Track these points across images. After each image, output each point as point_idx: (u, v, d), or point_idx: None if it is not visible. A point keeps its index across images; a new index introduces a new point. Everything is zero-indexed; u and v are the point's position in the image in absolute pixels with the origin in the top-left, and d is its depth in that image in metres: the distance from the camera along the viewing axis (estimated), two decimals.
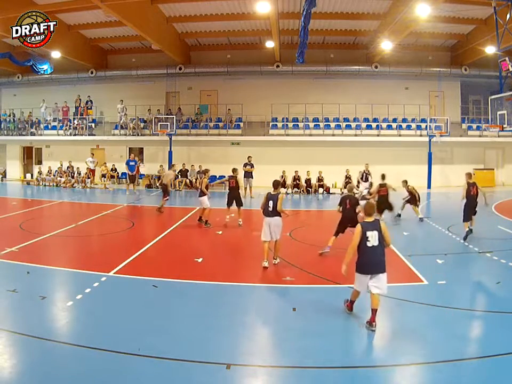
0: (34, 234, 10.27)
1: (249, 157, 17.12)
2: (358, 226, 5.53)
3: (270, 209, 7.84)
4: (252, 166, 18.72)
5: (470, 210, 10.08)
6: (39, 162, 24.92)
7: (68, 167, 22.26)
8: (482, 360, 4.53)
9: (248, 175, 18.59)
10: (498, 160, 23.44)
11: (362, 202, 10.91)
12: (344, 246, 9.48)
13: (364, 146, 22.08)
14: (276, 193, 8.03)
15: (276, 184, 8.23)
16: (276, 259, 8.16)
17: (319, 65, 22.91)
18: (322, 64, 22.90)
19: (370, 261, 5.36)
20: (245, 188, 16.88)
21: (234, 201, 12.09)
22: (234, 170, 12.27)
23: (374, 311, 5.30)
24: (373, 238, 5.35)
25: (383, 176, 11.52)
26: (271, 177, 20.94)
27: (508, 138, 21.96)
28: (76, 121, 23.95)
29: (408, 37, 19.50)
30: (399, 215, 12.65)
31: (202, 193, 11.98)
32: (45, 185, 22.07)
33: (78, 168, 21.98)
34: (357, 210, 8.69)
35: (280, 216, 7.97)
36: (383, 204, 11.23)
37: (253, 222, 13.14)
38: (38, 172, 22.66)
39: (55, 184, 21.85)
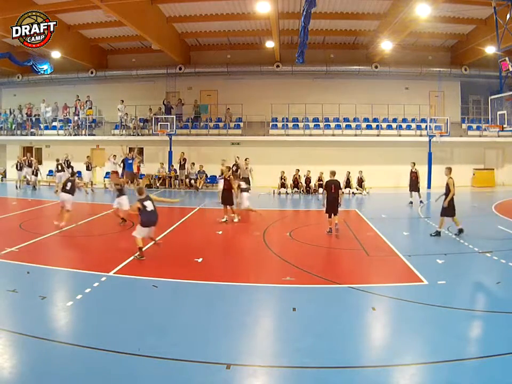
0: (34, 234, 10.26)
1: (246, 158, 17.17)
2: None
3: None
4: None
5: None
6: (39, 162, 24.86)
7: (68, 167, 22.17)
8: (483, 360, 4.52)
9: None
10: (498, 160, 23.44)
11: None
12: (343, 246, 9.54)
13: (364, 146, 22.10)
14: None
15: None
16: None
17: (319, 65, 22.91)
18: (322, 64, 22.90)
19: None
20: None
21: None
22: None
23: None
24: None
25: None
26: (271, 177, 21.02)
27: (508, 138, 21.96)
28: (75, 120, 23.90)
29: (408, 37, 19.50)
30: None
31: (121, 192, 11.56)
32: (44, 185, 22.06)
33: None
34: (340, 193, 10.85)
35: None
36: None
37: (253, 222, 13.14)
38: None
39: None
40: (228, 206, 12.34)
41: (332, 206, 10.78)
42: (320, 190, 20.21)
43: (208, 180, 22.19)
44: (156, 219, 8.54)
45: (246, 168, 16.89)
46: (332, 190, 10.73)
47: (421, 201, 16.28)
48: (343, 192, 12.12)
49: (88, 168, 21.09)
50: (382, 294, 6.49)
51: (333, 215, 10.82)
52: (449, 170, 10.85)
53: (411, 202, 16.21)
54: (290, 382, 4.30)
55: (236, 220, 12.37)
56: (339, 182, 11.02)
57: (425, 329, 5.33)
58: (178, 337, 5.10)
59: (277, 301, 6.49)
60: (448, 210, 10.57)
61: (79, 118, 23.95)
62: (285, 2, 18.08)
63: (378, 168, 21.33)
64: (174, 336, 5.12)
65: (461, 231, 10.55)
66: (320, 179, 20.23)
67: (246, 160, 16.98)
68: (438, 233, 10.67)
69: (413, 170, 16.44)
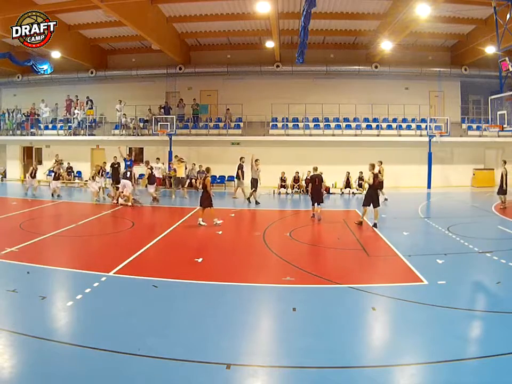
0: (34, 234, 10.26)
1: (257, 159, 17.08)
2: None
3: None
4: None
5: None
6: (39, 162, 24.87)
7: (67, 168, 22.21)
8: (483, 360, 4.52)
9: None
10: (498, 160, 23.39)
11: None
12: (343, 246, 9.54)
13: (364, 146, 22.07)
14: None
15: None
16: None
17: (319, 65, 22.91)
18: (322, 64, 22.90)
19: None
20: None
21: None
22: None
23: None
24: None
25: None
26: (271, 177, 20.91)
27: (508, 138, 21.97)
28: (73, 120, 23.89)
29: (408, 37, 19.50)
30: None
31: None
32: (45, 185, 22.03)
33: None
34: (322, 185, 12.91)
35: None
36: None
37: (253, 222, 13.14)
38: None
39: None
40: (204, 208, 11.89)
41: (316, 196, 12.78)
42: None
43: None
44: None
45: (257, 169, 16.89)
46: (316, 182, 12.73)
47: (385, 199, 16.60)
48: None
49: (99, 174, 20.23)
50: (382, 294, 6.49)
51: (316, 204, 12.79)
52: (372, 166, 11.77)
53: (385, 199, 16.62)
54: (290, 382, 4.30)
55: (203, 223, 11.77)
56: (322, 176, 12.95)
57: (425, 329, 5.32)
58: (178, 337, 5.09)
59: (277, 301, 6.49)
60: (365, 200, 11.67)
61: (77, 118, 23.90)
62: (285, 2, 18.07)
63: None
64: (174, 336, 5.12)
65: (360, 223, 11.77)
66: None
67: (256, 161, 16.96)
68: (374, 225, 11.37)
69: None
